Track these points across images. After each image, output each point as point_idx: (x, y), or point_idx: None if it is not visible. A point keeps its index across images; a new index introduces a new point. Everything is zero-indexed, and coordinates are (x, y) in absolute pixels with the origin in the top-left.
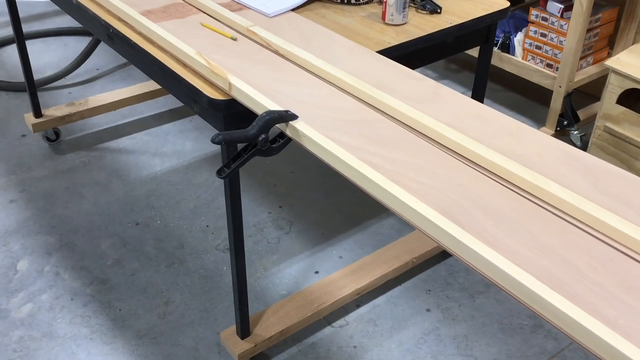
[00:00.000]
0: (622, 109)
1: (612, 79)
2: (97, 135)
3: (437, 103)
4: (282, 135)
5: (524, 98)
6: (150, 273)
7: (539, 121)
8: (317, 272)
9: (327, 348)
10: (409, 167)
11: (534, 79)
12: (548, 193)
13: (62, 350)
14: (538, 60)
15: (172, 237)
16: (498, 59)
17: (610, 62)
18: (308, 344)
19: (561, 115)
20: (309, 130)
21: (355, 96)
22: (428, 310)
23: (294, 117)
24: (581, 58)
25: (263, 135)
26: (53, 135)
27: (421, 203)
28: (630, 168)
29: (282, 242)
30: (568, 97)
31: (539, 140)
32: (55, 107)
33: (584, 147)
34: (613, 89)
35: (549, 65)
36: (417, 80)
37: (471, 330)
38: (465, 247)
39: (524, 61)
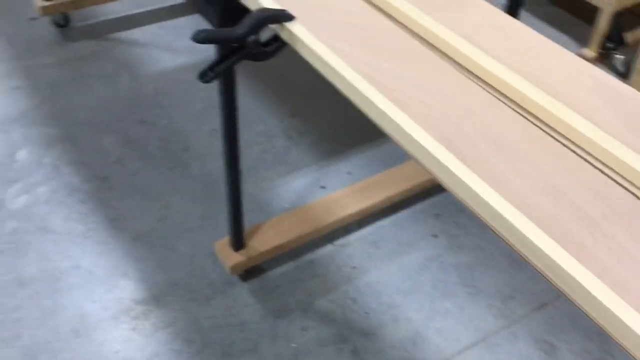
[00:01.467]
0: None
1: None
2: (108, 24)
3: (458, 11)
4: (276, 38)
5: (568, 14)
6: (152, 174)
7: (581, 41)
8: (323, 187)
9: (325, 266)
10: (412, 83)
11: None
12: (569, 127)
13: (55, 246)
14: None
15: (177, 139)
16: None
17: None
18: (306, 261)
19: (607, 37)
20: (304, 34)
21: None
22: (434, 235)
23: (289, 17)
24: None
25: (253, 37)
26: (62, 20)
27: (417, 126)
28: None
29: (291, 152)
30: (617, 16)
31: (569, 63)
32: None
33: (626, 72)
34: None
35: None
36: None
37: (477, 260)
38: (460, 181)
39: None
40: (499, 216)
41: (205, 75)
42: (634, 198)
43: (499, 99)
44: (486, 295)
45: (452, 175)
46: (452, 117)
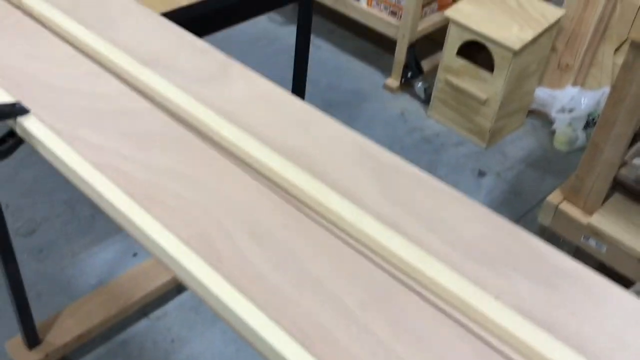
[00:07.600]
0: (461, 61)
1: (451, 30)
2: None
3: (223, 84)
4: (12, 133)
5: (373, 46)
6: None
7: (385, 71)
8: (135, 255)
9: (139, 345)
10: (171, 175)
11: (379, 27)
12: (327, 207)
13: None
14: (382, 8)
15: None
16: (343, 5)
17: (450, 12)
18: (118, 342)
19: (405, 66)
20: (40, 130)
21: (120, 76)
22: None
23: (22, 111)
24: (425, 5)
25: None
26: None
27: (165, 230)
28: (470, 122)
29: (98, 220)
30: (412, 47)
31: (333, 132)
32: None
33: (427, 99)
34: (453, 41)
35: (393, 13)
36: (202, 53)
37: None
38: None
39: (368, 8)
40: (245, 324)
41: None
42: (393, 280)
43: (259, 181)
44: None
45: (200, 285)
46: (211, 208)
